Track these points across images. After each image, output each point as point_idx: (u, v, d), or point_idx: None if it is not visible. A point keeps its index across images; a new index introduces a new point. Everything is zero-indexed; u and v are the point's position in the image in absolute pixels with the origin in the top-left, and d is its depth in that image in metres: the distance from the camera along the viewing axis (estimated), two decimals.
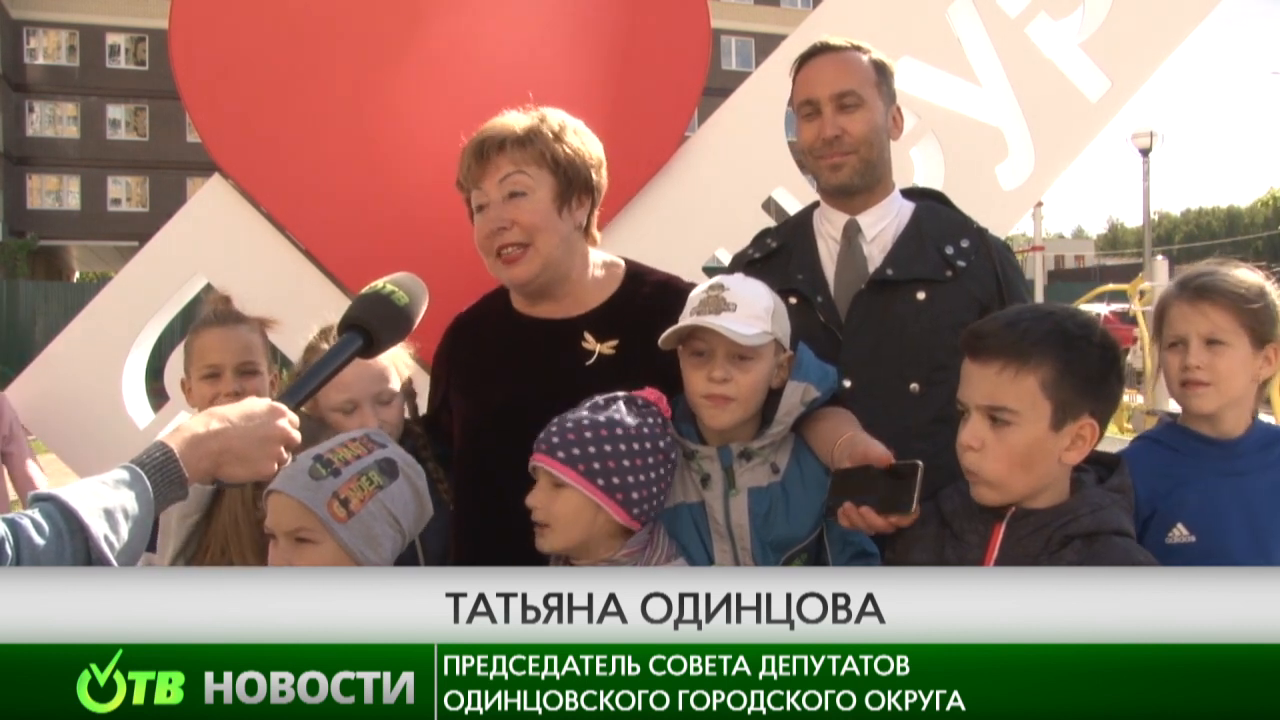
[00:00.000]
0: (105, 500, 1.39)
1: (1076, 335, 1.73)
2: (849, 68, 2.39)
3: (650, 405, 1.97)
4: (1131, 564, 1.68)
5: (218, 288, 3.43)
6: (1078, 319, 1.77)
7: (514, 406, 2.06)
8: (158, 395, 3.50)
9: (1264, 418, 2.15)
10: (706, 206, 3.50)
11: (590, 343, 2.18)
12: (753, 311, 1.97)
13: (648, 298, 2.22)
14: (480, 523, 2.18)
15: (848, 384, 2.27)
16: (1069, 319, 1.76)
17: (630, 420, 1.92)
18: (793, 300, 2.33)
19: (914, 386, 2.30)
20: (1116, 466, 1.84)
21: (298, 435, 1.65)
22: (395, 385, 2.30)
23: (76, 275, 38.73)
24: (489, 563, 2.01)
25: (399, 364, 2.34)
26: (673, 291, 2.17)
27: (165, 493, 1.47)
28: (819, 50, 2.44)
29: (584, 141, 2.21)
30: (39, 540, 1.31)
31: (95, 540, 1.34)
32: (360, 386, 2.23)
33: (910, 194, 2.55)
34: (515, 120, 2.18)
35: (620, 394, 1.97)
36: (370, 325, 1.76)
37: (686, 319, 1.99)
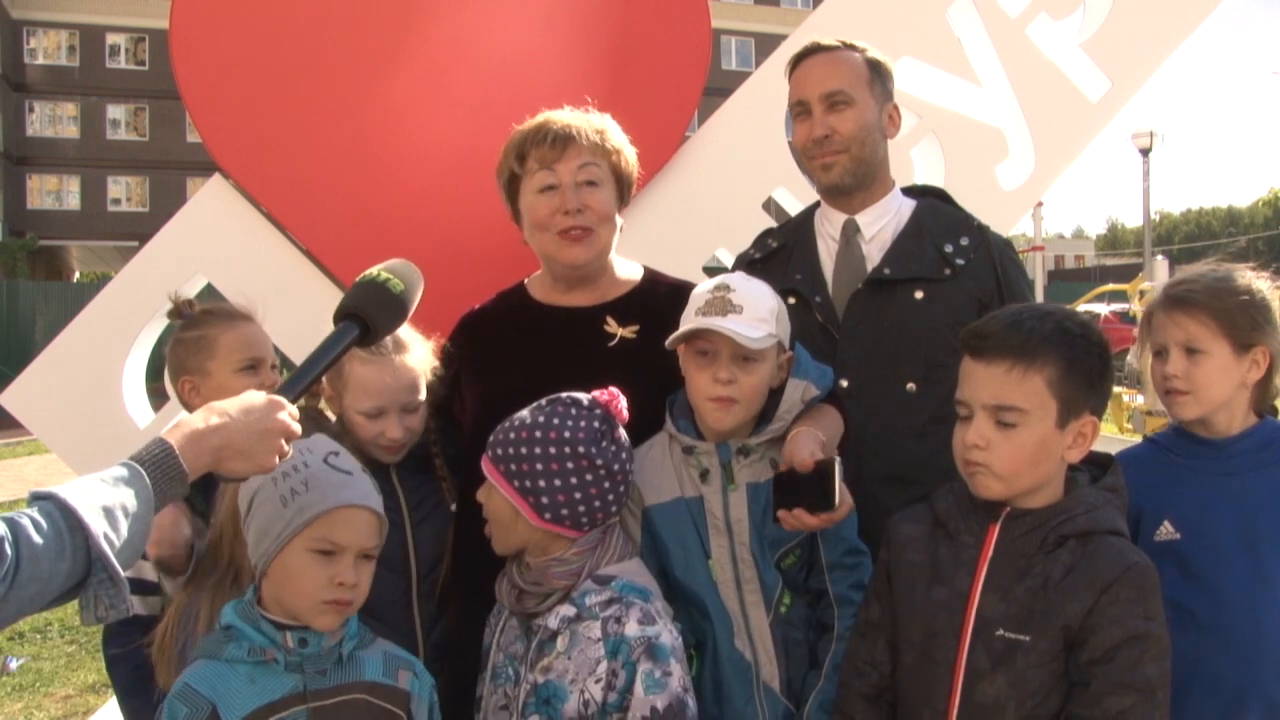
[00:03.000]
0: (104, 498, 1.38)
1: (1077, 334, 1.76)
2: (838, 67, 2.39)
3: (597, 410, 1.95)
4: (1125, 564, 1.69)
5: (218, 288, 3.43)
6: (1075, 318, 1.80)
7: (534, 386, 2.06)
8: (158, 395, 3.49)
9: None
10: (706, 206, 3.50)
11: (613, 326, 2.25)
12: (758, 314, 1.99)
13: (665, 296, 2.28)
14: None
15: (844, 383, 2.27)
16: (1068, 318, 1.79)
17: (556, 422, 1.92)
18: (791, 300, 2.34)
19: (910, 386, 2.30)
20: (1110, 466, 1.85)
21: (298, 428, 1.64)
22: (423, 395, 2.28)
23: (76, 275, 38.72)
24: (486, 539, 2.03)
25: (429, 373, 2.31)
26: (687, 293, 2.19)
27: (165, 489, 1.47)
28: (810, 51, 2.44)
29: (631, 155, 2.33)
30: (38, 539, 1.30)
31: (94, 538, 1.34)
32: (391, 395, 2.21)
33: (912, 192, 2.55)
34: (583, 118, 2.28)
35: (567, 394, 1.98)
36: (366, 314, 1.75)
37: (692, 319, 2.00)
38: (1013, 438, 1.72)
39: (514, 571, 1.96)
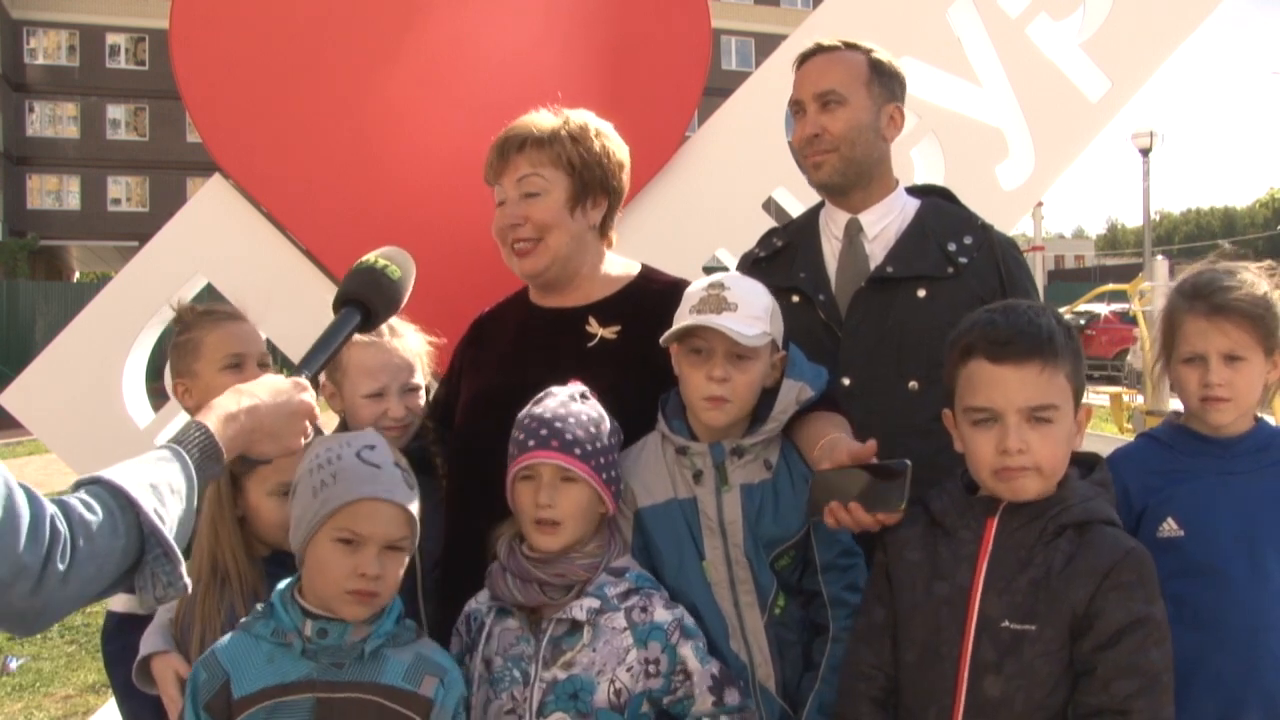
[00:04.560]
0: (150, 477, 1.38)
1: (1068, 326, 1.83)
2: (833, 67, 2.40)
3: (590, 395, 2.04)
4: (1124, 550, 1.72)
5: (218, 288, 3.43)
6: (1056, 310, 1.87)
7: (515, 384, 2.10)
8: (158, 395, 3.49)
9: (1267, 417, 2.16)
10: (706, 206, 3.49)
11: (594, 326, 2.25)
12: (752, 312, 1.99)
13: (655, 295, 2.28)
14: (472, 495, 2.20)
15: (846, 382, 2.28)
16: (1054, 312, 1.85)
17: (605, 413, 2.01)
18: (795, 298, 2.34)
19: (913, 384, 2.30)
20: (1096, 463, 1.88)
21: (319, 410, 1.68)
22: (419, 378, 2.34)
23: (76, 275, 38.72)
24: (478, 529, 2.06)
25: (424, 359, 2.38)
26: (681, 290, 2.20)
27: (205, 470, 1.48)
28: (812, 51, 2.46)
29: (606, 144, 2.29)
30: (91, 517, 1.30)
31: (146, 514, 1.34)
32: (391, 374, 2.28)
33: (916, 191, 2.56)
34: (538, 121, 2.28)
35: (573, 388, 2.02)
36: (368, 300, 1.80)
37: (686, 317, 2.00)
38: (1050, 435, 1.75)
39: (527, 566, 1.94)
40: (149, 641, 2.03)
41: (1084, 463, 1.87)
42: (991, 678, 1.70)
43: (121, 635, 2.23)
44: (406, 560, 1.86)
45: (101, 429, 3.40)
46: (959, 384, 1.83)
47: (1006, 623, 1.71)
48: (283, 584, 1.87)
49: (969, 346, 1.81)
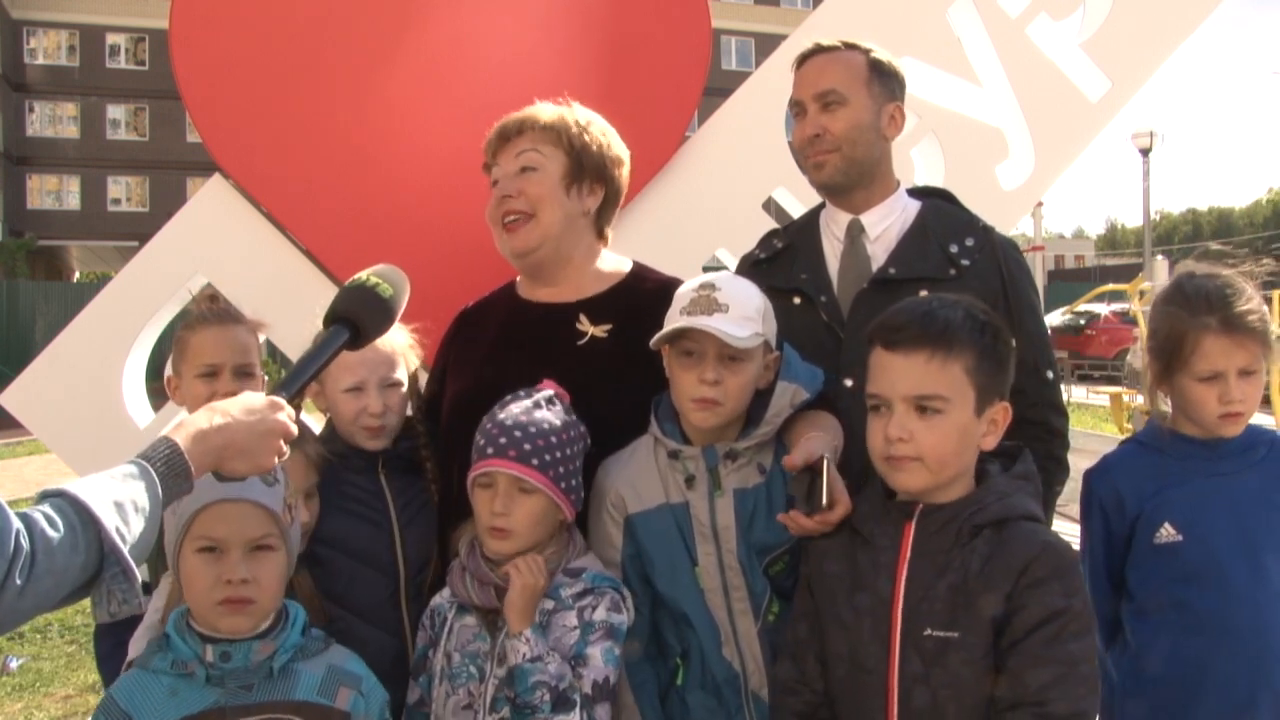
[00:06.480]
0: (115, 493, 1.38)
1: (985, 322, 1.77)
2: (833, 67, 2.40)
3: (560, 398, 2.04)
4: (1040, 545, 1.67)
5: (218, 288, 3.43)
6: (979, 307, 1.81)
7: (503, 380, 2.10)
8: (158, 395, 3.48)
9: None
10: (706, 206, 3.49)
11: (584, 324, 2.23)
12: (744, 313, 1.97)
13: (648, 293, 2.26)
14: (459, 493, 2.18)
15: (849, 383, 2.27)
16: (974, 307, 1.79)
17: (568, 418, 2.00)
18: (796, 299, 2.33)
19: None
20: (1019, 456, 1.83)
21: (295, 428, 1.66)
22: (401, 374, 2.31)
23: (76, 275, 38.71)
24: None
25: (407, 355, 2.35)
26: (674, 289, 2.18)
27: (172, 487, 1.47)
28: (812, 51, 2.46)
29: (606, 138, 2.32)
30: (52, 533, 1.30)
31: (107, 532, 1.34)
32: (369, 368, 2.25)
33: (918, 193, 2.55)
34: (543, 108, 2.30)
35: (540, 394, 2.01)
36: (357, 318, 1.78)
37: (677, 319, 1.98)
38: (937, 426, 1.71)
39: (486, 569, 1.96)
40: (137, 645, 2.02)
41: (1008, 454, 1.83)
42: (921, 688, 1.65)
43: (113, 634, 2.23)
44: (282, 560, 1.81)
45: (101, 429, 3.40)
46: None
47: (929, 631, 1.66)
48: (174, 614, 1.82)
49: (870, 335, 1.81)
